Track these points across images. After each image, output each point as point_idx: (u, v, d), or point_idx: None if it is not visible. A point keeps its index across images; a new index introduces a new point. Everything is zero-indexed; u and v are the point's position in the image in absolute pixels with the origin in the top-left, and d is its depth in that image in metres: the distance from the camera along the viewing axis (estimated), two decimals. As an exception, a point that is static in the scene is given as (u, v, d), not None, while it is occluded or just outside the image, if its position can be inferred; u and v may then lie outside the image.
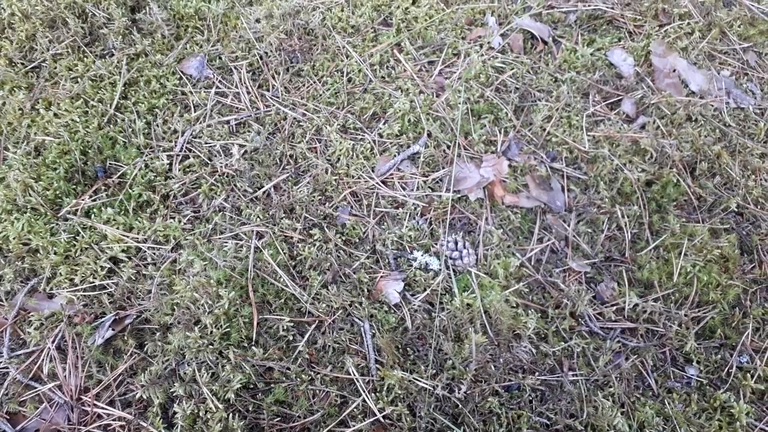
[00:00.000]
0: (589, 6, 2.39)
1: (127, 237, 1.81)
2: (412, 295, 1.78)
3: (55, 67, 2.09)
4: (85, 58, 2.12)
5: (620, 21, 2.39)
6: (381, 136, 2.06)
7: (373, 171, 1.98)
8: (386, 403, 1.60)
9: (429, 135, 2.04)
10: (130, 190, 1.89)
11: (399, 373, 1.62)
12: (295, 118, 2.08)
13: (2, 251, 1.78)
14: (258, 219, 1.86)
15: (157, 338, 1.66)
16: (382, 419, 1.59)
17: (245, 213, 1.88)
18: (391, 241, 1.85)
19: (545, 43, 2.29)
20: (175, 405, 1.57)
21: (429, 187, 1.95)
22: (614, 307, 1.80)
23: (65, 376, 1.62)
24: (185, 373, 1.61)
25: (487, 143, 2.04)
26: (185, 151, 1.99)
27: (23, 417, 1.59)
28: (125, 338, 1.67)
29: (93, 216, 1.85)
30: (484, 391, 1.63)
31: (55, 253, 1.76)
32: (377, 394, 1.62)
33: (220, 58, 2.20)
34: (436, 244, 1.86)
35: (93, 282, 1.74)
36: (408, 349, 1.70)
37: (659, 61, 2.25)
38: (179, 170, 1.95)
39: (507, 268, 1.80)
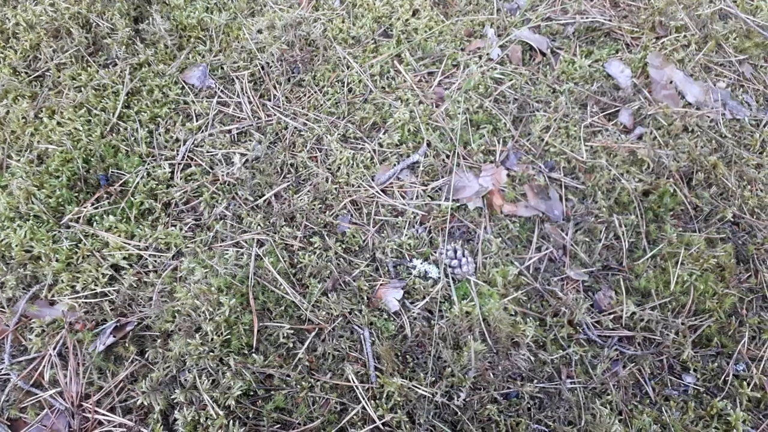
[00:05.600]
0: (587, 18, 2.42)
1: (129, 244, 1.82)
2: (412, 303, 1.79)
3: (59, 77, 2.11)
4: (88, 68, 2.14)
5: (618, 33, 2.42)
6: (381, 145, 2.08)
7: (373, 180, 2.00)
8: (386, 411, 1.60)
9: (428, 145, 2.06)
10: (131, 198, 1.90)
11: (398, 380, 1.63)
12: (296, 128, 2.11)
13: (5, 258, 1.79)
14: (259, 227, 1.88)
15: (158, 345, 1.67)
16: (381, 426, 1.59)
17: (246, 221, 1.89)
18: (391, 250, 1.86)
19: (544, 54, 2.32)
20: (175, 411, 1.57)
21: (428, 196, 1.97)
22: (612, 316, 1.81)
23: (66, 383, 1.63)
24: (186, 380, 1.61)
25: (485, 153, 2.06)
26: (187, 160, 2.01)
27: (24, 423, 1.59)
28: (126, 345, 1.68)
29: (95, 224, 1.86)
30: (482, 399, 1.64)
31: (57, 261, 1.77)
32: (377, 401, 1.63)
33: (222, 68, 2.22)
34: (435, 252, 1.87)
35: (94, 289, 1.75)
36: (407, 356, 1.71)
37: (656, 73, 2.28)
38: (181, 178, 1.97)
39: (505, 277, 1.81)
